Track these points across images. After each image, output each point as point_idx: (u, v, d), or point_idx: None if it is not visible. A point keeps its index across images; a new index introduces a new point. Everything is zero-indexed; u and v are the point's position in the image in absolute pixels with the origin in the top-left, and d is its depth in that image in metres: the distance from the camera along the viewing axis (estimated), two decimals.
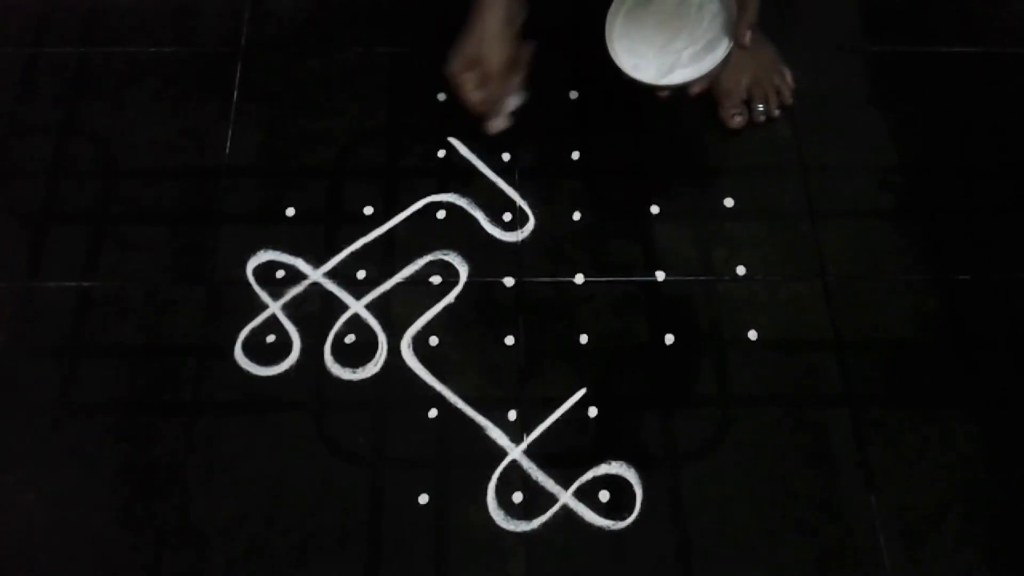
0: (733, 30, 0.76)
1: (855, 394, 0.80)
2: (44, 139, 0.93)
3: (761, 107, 0.93)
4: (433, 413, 0.79)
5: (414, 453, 0.78)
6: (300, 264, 0.86)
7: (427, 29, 0.96)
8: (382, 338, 0.83)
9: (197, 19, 1.00)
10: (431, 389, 0.80)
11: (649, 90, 0.79)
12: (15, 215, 0.88)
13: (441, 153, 0.92)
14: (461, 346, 0.82)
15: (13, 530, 0.75)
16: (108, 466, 0.77)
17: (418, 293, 0.85)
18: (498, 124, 0.89)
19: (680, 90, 0.78)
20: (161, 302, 0.84)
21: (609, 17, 0.79)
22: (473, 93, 0.86)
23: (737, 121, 0.92)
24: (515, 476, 0.77)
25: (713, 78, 0.77)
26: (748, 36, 0.74)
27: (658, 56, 0.78)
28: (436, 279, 0.85)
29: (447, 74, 0.87)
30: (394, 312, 0.84)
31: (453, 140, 0.92)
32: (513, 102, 0.90)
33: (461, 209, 0.89)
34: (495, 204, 0.89)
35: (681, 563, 0.74)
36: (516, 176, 0.91)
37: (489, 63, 0.84)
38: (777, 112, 0.93)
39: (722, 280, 0.86)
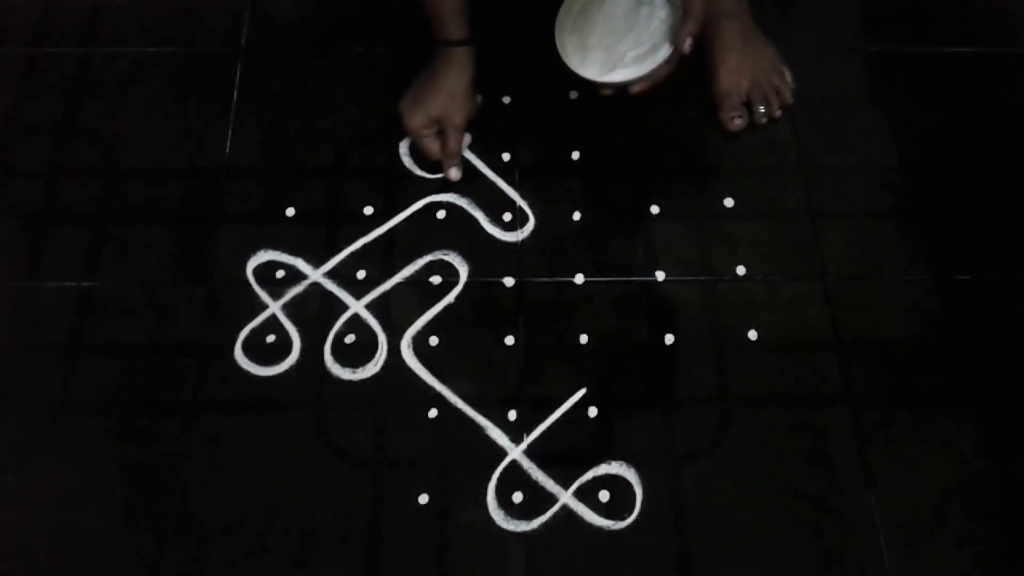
0: (674, 36, 0.78)
1: (855, 394, 0.80)
2: (44, 139, 0.93)
3: (762, 109, 0.93)
4: (433, 413, 0.79)
5: (414, 453, 0.78)
6: (300, 264, 0.86)
7: (427, 29, 0.96)
8: (382, 338, 0.83)
9: (197, 19, 1.00)
10: (431, 389, 0.80)
11: (593, 87, 0.81)
12: (15, 215, 0.89)
13: None
14: (461, 346, 0.82)
15: (13, 530, 0.75)
16: (108, 466, 0.77)
17: (418, 293, 0.85)
18: (457, 173, 0.90)
19: (622, 89, 0.80)
20: (161, 302, 0.84)
21: (561, 14, 0.81)
22: (435, 146, 0.90)
23: (737, 124, 0.92)
24: (515, 476, 0.77)
25: (655, 80, 0.79)
26: (688, 43, 0.77)
27: (603, 55, 0.81)
28: (436, 279, 0.85)
29: (405, 127, 0.89)
30: (394, 312, 0.84)
31: None
32: (466, 142, 0.92)
33: (461, 209, 0.89)
34: (495, 204, 0.89)
35: (681, 563, 0.74)
36: (516, 176, 0.91)
37: (454, 120, 0.88)
38: (779, 113, 0.93)
39: (722, 280, 0.86)
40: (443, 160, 0.90)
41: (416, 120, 0.89)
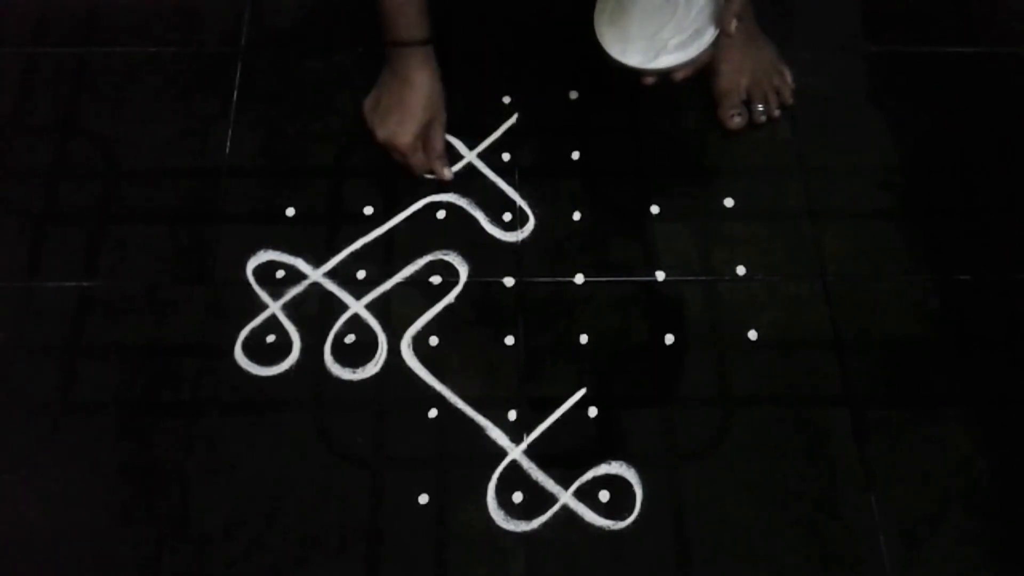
0: (720, 19, 0.78)
1: (855, 394, 0.80)
2: (44, 139, 0.93)
3: (761, 107, 0.93)
4: (433, 413, 0.79)
5: (414, 453, 0.78)
6: (300, 264, 0.86)
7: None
8: (382, 338, 0.83)
9: (197, 19, 1.00)
10: (431, 389, 0.80)
11: (636, 75, 0.80)
12: (15, 215, 0.89)
13: None
14: (461, 346, 0.82)
15: (13, 530, 0.75)
16: (108, 466, 0.77)
17: (418, 293, 0.85)
18: (450, 172, 0.90)
19: (665, 75, 0.80)
20: (161, 302, 0.84)
21: (599, 6, 0.81)
22: (422, 158, 0.89)
23: (736, 122, 0.92)
24: (515, 476, 0.77)
25: (698, 65, 0.79)
26: (734, 24, 0.76)
27: (645, 43, 0.80)
28: (436, 279, 0.85)
29: (395, 146, 0.88)
30: (394, 312, 0.84)
31: (453, 140, 0.92)
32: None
33: (461, 209, 0.89)
34: (495, 204, 0.89)
35: (681, 563, 0.74)
36: (516, 176, 0.91)
37: (441, 119, 0.88)
38: (777, 112, 0.93)
39: (722, 280, 0.86)
40: (434, 165, 0.89)
41: (407, 135, 0.86)
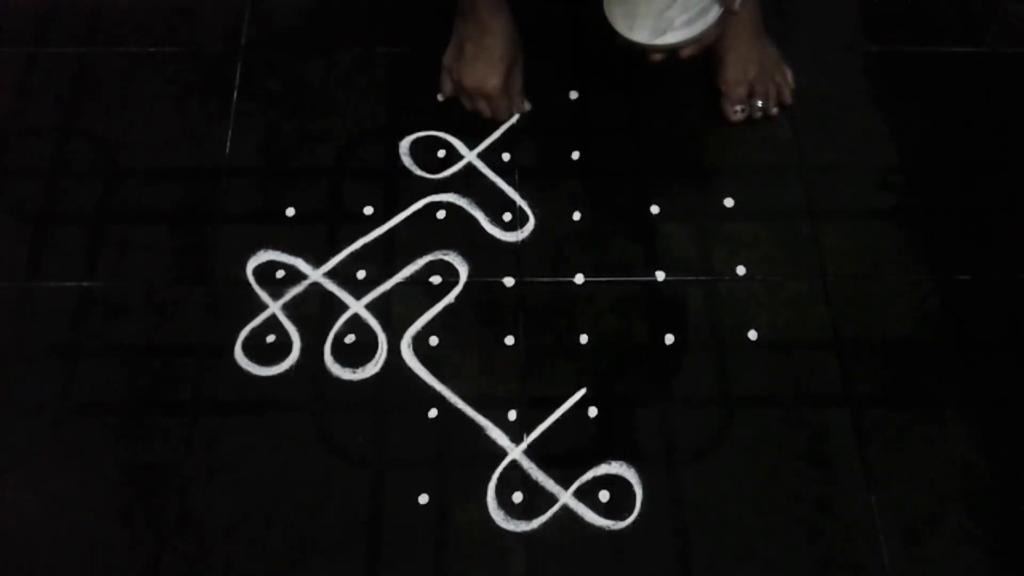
0: None
1: (855, 394, 0.80)
2: (44, 139, 0.93)
3: (760, 103, 0.93)
4: (433, 413, 0.79)
5: (414, 453, 0.78)
6: (300, 264, 0.86)
7: (427, 29, 0.96)
8: (382, 338, 0.83)
9: (197, 19, 1.00)
10: (431, 389, 0.80)
11: (643, 52, 0.81)
12: (15, 215, 0.89)
13: (441, 153, 0.92)
14: (461, 346, 0.82)
15: (13, 530, 0.75)
16: (108, 466, 0.77)
17: (418, 293, 0.85)
18: (527, 106, 0.94)
19: (672, 52, 0.81)
20: (161, 302, 0.84)
21: None
22: (505, 100, 0.92)
23: (739, 116, 0.92)
24: (515, 476, 0.77)
25: (704, 43, 0.80)
26: (737, 1, 0.77)
27: (652, 21, 0.81)
28: (436, 279, 0.85)
29: (484, 93, 0.90)
30: (394, 312, 0.84)
31: (453, 140, 0.92)
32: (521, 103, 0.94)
33: (461, 209, 0.89)
34: (495, 204, 0.89)
35: (681, 563, 0.74)
36: (516, 176, 0.91)
37: (520, 58, 0.91)
38: (775, 110, 0.93)
39: (722, 280, 0.86)
40: (515, 102, 0.93)
41: (496, 78, 0.89)
